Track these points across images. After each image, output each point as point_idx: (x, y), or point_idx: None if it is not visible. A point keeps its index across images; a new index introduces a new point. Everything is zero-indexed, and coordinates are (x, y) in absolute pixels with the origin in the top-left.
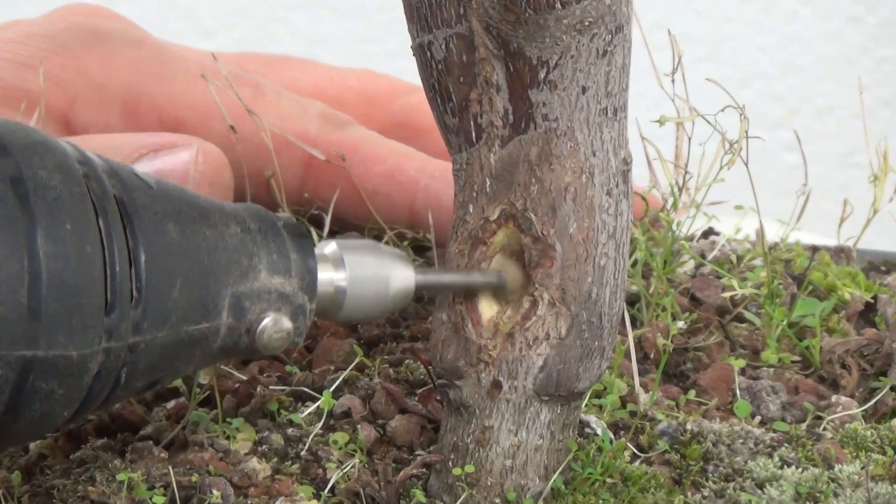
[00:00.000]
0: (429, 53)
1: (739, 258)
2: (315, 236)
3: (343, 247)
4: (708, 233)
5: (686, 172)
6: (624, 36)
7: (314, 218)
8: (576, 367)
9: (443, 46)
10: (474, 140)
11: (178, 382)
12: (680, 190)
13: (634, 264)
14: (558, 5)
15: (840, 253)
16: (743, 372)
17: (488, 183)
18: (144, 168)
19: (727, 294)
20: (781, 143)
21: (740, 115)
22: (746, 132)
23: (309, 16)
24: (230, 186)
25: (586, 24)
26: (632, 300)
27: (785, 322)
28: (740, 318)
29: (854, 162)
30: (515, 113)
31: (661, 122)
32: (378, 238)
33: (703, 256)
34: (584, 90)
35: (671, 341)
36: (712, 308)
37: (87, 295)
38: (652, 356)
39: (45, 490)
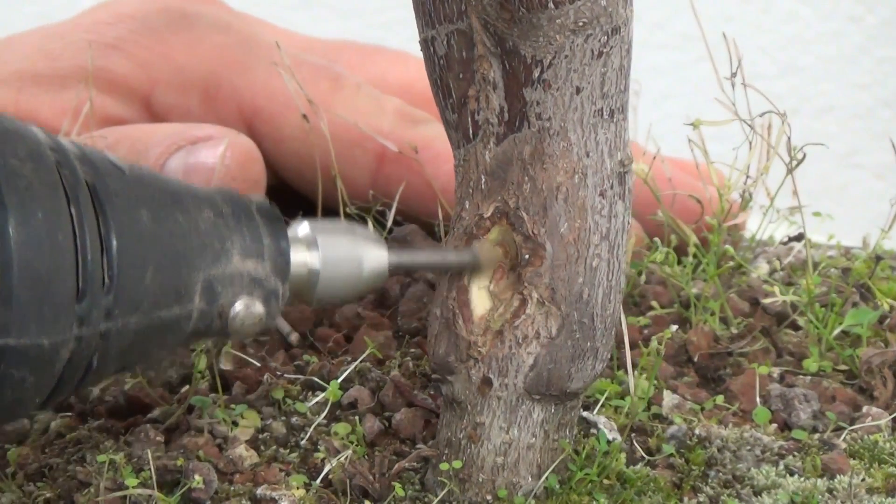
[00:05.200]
0: (432, 48)
1: (815, 264)
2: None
3: (316, 228)
4: (797, 238)
5: (747, 177)
6: (621, 38)
7: (382, 214)
8: (567, 367)
9: (444, 42)
10: (471, 136)
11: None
12: (743, 194)
13: (696, 268)
14: (551, 5)
15: None
16: (782, 379)
17: (483, 180)
18: (177, 162)
19: (768, 300)
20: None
21: (782, 120)
22: (789, 137)
23: (309, 16)
24: (259, 181)
25: (580, 24)
26: (687, 303)
27: (837, 331)
28: (798, 326)
29: (854, 162)
30: (510, 111)
31: (695, 125)
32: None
33: (779, 261)
34: (578, 90)
35: (707, 345)
36: (771, 314)
37: (58, 283)
38: (696, 359)
39: (38, 468)
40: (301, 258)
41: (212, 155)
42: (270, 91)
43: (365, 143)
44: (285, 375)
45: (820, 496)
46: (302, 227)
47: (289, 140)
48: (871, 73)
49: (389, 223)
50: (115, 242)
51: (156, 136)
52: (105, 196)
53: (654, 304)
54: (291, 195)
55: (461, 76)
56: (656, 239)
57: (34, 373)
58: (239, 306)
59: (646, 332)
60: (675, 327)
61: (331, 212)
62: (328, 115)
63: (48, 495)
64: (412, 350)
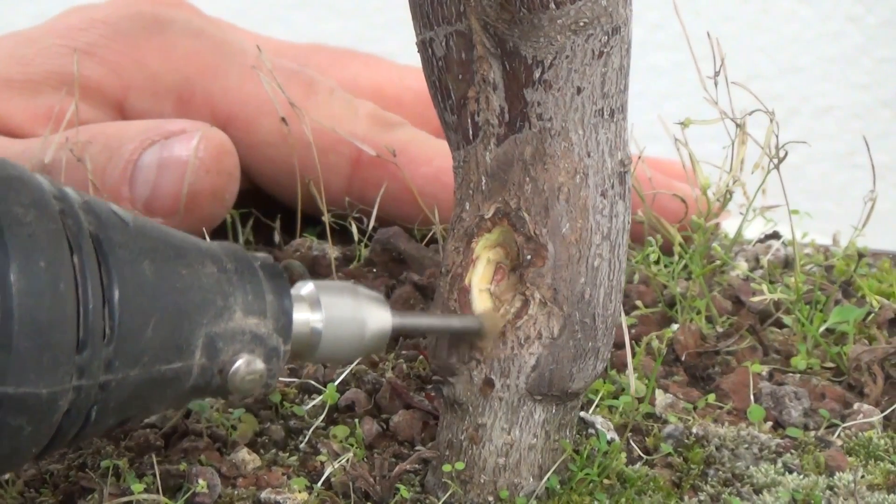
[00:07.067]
0: (430, 50)
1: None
2: (356, 234)
3: (320, 288)
4: (772, 236)
5: (733, 178)
6: (621, 38)
7: (358, 220)
8: (569, 367)
9: (443, 44)
10: (471, 138)
11: None
12: (725, 194)
13: (686, 267)
14: (552, 5)
15: None
16: (771, 377)
17: (484, 181)
18: (151, 157)
19: (756, 298)
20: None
21: (770, 119)
22: (777, 136)
23: (309, 16)
24: (233, 173)
25: (581, 24)
26: (671, 302)
27: (823, 328)
28: (782, 324)
29: (854, 162)
30: (511, 111)
31: (684, 124)
32: (423, 238)
33: (756, 260)
34: (578, 91)
35: (695, 344)
36: (755, 312)
37: (58, 332)
38: (683, 358)
39: (36, 475)
40: (304, 317)
41: (185, 148)
42: (244, 97)
43: (339, 148)
44: (281, 379)
45: (821, 493)
46: (306, 287)
47: (263, 145)
48: (871, 73)
49: (370, 227)
50: (116, 294)
51: (129, 133)
52: (108, 247)
53: (638, 303)
54: (265, 199)
55: (460, 77)
56: (650, 238)
57: (31, 422)
58: (240, 364)
59: (633, 331)
60: (675, 326)
61: (307, 217)
62: (304, 120)
63: (50, 502)
64: (405, 352)
